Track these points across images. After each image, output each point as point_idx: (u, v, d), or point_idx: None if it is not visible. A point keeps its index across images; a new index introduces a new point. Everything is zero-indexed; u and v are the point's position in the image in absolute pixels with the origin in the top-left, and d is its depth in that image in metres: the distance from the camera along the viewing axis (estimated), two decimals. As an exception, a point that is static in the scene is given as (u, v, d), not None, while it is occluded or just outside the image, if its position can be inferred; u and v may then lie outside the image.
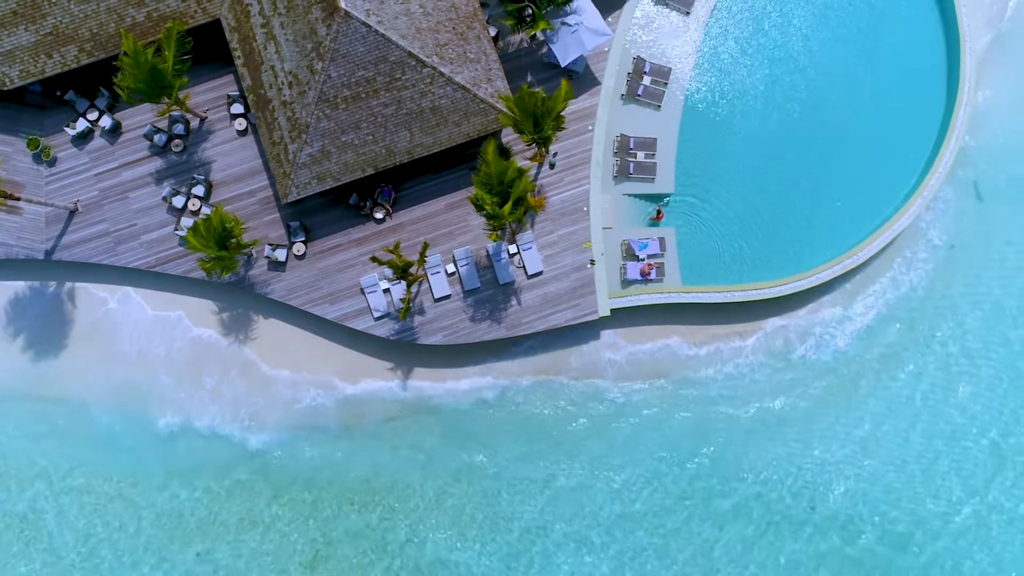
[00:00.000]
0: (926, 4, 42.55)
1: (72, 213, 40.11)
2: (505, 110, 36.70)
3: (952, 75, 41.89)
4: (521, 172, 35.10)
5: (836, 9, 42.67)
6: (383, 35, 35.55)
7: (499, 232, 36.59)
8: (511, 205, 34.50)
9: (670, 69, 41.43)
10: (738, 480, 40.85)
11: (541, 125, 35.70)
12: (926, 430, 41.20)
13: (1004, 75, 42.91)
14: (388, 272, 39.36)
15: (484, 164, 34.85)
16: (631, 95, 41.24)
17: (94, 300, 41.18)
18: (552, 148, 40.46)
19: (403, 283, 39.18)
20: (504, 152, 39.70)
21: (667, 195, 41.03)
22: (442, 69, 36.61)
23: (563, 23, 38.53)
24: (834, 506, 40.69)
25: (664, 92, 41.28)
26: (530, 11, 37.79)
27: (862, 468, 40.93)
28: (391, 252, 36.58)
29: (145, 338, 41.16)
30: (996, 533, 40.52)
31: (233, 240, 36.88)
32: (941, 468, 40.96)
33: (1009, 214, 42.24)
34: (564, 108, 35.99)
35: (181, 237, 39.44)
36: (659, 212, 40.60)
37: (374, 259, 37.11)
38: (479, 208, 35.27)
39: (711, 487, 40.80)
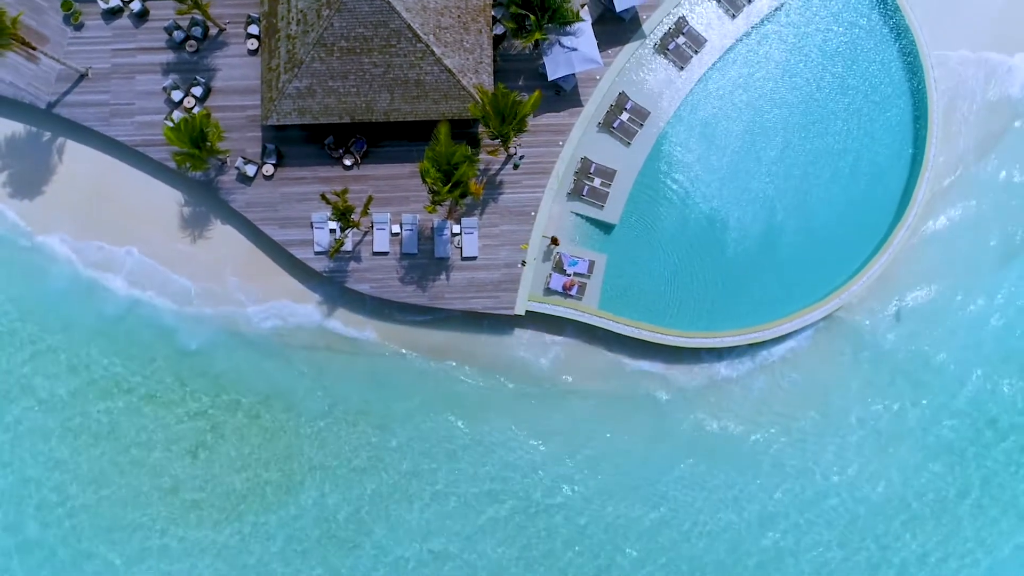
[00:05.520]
0: (903, 132, 44.93)
1: (82, 77, 43.64)
2: (478, 100, 39.54)
3: (905, 197, 44.11)
4: (468, 159, 37.99)
5: (821, 109, 44.98)
6: (389, 3, 38.64)
7: (437, 207, 39.46)
8: (451, 185, 37.40)
9: (649, 113, 44.00)
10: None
11: (505, 124, 38.55)
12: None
13: (955, 213, 45.08)
14: (335, 213, 42.43)
15: (436, 143, 37.79)
16: (607, 125, 43.90)
17: (80, 160, 44.61)
18: (521, 151, 43.30)
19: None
20: (474, 141, 42.63)
21: (610, 225, 43.69)
22: (435, 49, 39.61)
23: (559, 42, 41.29)
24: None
25: (637, 132, 43.86)
26: (530, 21, 40.56)
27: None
28: (337, 195, 39.62)
29: (118, 209, 44.48)
30: None
31: (207, 144, 40.19)
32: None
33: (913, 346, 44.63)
34: (528, 114, 38.85)
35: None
36: (553, 239, 43.10)
37: (323, 197, 40.20)
38: (423, 179, 38.22)
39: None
